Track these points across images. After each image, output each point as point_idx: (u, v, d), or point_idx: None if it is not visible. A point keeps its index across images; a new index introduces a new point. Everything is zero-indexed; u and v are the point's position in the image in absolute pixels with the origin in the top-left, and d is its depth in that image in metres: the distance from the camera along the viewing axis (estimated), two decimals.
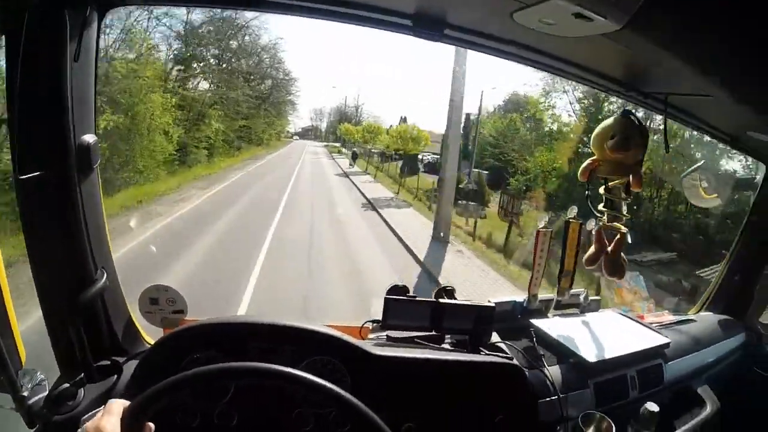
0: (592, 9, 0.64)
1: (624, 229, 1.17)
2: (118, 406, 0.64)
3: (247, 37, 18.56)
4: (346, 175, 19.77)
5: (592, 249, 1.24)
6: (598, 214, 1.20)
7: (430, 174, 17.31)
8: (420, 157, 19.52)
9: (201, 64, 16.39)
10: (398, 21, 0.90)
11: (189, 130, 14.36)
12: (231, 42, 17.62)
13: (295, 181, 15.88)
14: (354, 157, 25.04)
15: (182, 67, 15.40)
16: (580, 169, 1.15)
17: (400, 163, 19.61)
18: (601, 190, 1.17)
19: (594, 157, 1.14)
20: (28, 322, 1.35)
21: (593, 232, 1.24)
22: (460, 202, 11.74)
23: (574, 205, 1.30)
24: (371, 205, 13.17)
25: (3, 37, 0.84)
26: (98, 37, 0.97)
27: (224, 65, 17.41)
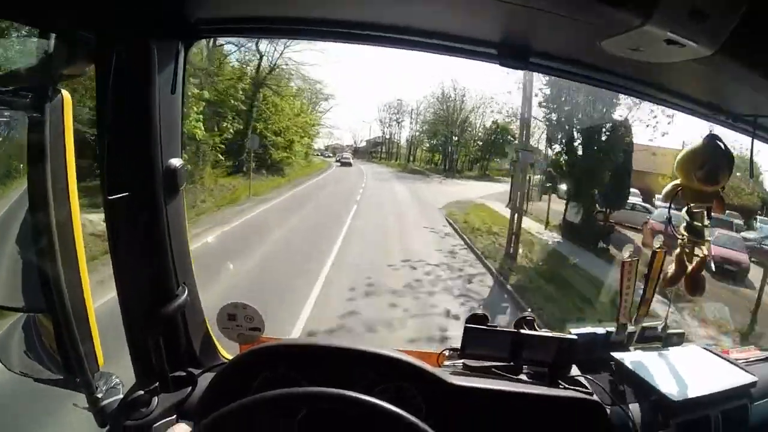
0: (684, 35, 0.64)
1: (705, 253, 1.12)
2: (182, 430, 0.66)
3: None
4: None
5: (672, 270, 1.19)
6: (680, 238, 1.15)
7: None
8: None
9: None
10: (484, 50, 0.94)
11: None
12: None
13: None
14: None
15: None
16: (663, 193, 1.13)
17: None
18: (683, 213, 1.13)
19: (677, 182, 1.11)
20: None
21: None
22: None
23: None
24: None
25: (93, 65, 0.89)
26: (185, 66, 1.03)
27: None
